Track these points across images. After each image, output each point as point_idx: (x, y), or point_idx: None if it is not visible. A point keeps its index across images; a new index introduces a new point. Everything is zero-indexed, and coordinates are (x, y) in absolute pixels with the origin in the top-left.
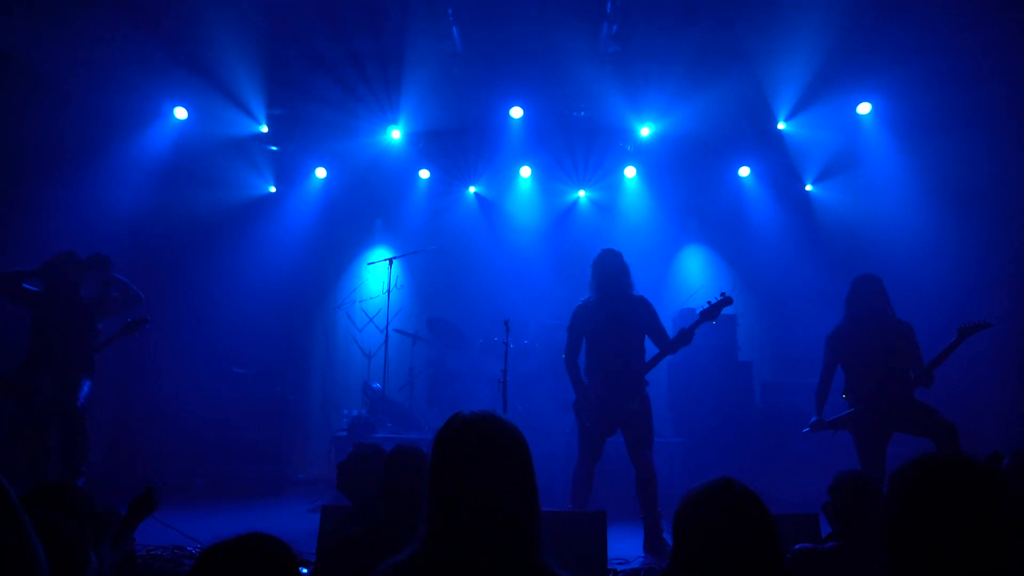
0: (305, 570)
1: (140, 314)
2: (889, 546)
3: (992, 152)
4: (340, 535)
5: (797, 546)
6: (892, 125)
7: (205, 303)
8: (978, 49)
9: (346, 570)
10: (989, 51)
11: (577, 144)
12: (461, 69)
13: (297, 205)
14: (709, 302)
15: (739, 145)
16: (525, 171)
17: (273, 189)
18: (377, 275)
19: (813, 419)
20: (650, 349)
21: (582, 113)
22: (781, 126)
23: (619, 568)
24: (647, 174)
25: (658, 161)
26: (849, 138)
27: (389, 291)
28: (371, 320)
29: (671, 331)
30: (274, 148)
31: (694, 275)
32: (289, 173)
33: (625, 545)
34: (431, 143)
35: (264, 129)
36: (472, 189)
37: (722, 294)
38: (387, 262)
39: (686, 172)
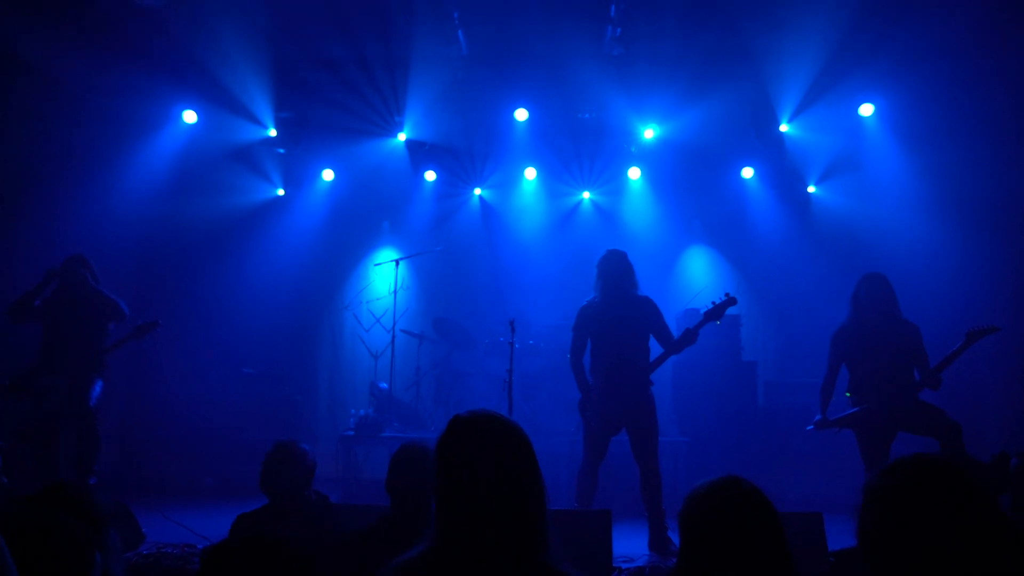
0: None
1: (151, 318)
2: (863, 549)
3: (995, 153)
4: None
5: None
6: (894, 126)
7: (214, 304)
8: (980, 52)
9: (353, 565)
10: (991, 54)
11: (581, 146)
12: (466, 72)
13: (305, 207)
14: (713, 302)
15: (742, 147)
16: (530, 173)
17: (281, 192)
18: (384, 276)
19: (817, 417)
20: (655, 349)
21: (587, 115)
22: (784, 128)
23: (624, 566)
24: (651, 176)
25: (662, 163)
26: (851, 139)
27: (395, 292)
28: (378, 320)
29: (675, 331)
30: (282, 151)
31: (698, 276)
32: (297, 176)
33: (630, 543)
34: (437, 145)
35: (272, 132)
36: (477, 191)
37: (726, 294)
38: (394, 263)
39: (690, 174)
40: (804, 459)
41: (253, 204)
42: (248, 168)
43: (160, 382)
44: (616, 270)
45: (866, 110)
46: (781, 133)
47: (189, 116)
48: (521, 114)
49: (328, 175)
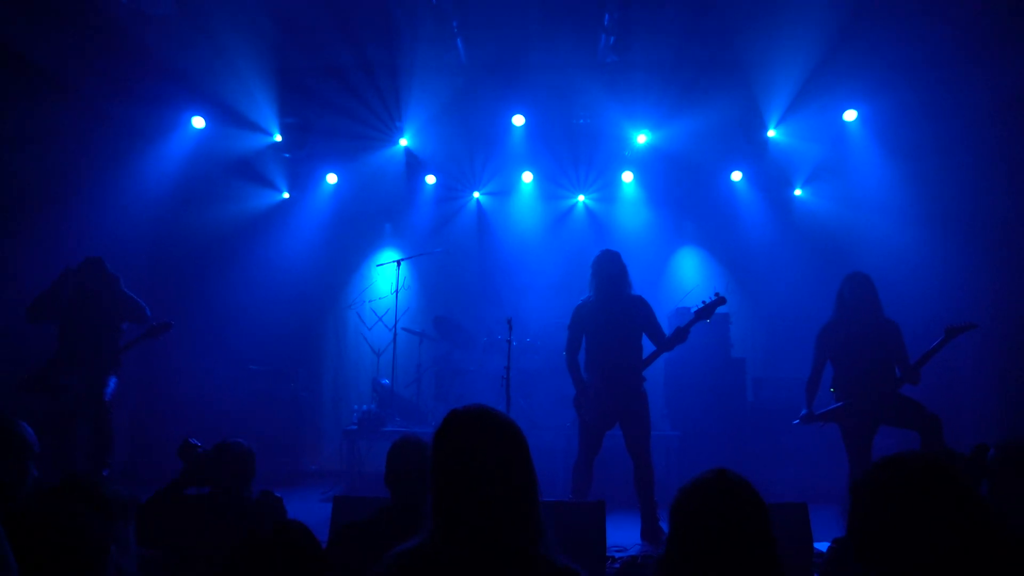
0: None
1: (163, 318)
2: (855, 543)
3: (973, 158)
4: (349, 522)
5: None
6: (877, 132)
7: (223, 304)
8: (959, 61)
9: (352, 556)
10: (970, 62)
11: (577, 151)
12: (465, 79)
13: (309, 210)
14: (704, 301)
15: (732, 151)
16: (527, 176)
17: (286, 195)
18: (386, 276)
19: (803, 412)
20: (647, 346)
21: (582, 121)
22: (771, 133)
23: (617, 555)
24: (644, 179)
25: (654, 167)
26: (836, 145)
27: (397, 291)
28: (380, 319)
29: (667, 329)
30: (287, 155)
31: (689, 276)
32: (301, 179)
33: (623, 533)
34: (437, 149)
35: (278, 138)
36: (476, 194)
37: (716, 294)
38: (395, 264)
39: (681, 177)
40: (791, 452)
41: (259, 207)
42: (254, 172)
43: (170, 379)
44: (610, 270)
45: (850, 116)
46: (769, 138)
47: (198, 122)
48: (518, 120)
49: (332, 179)
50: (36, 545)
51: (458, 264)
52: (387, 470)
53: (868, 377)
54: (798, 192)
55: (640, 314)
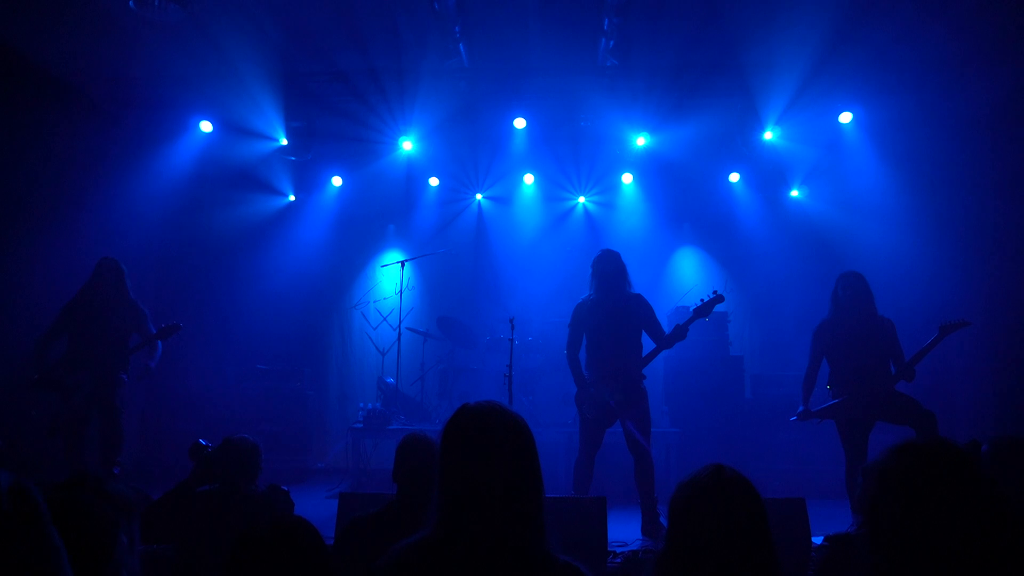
0: None
1: (171, 318)
2: (869, 526)
3: (966, 158)
4: (356, 517)
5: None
6: (872, 133)
7: (231, 304)
8: (952, 64)
9: (359, 550)
10: (963, 65)
11: (577, 153)
12: (468, 83)
13: (315, 212)
14: (702, 300)
15: (730, 153)
16: (528, 178)
17: (292, 198)
18: (390, 277)
19: (800, 409)
20: (647, 344)
21: (582, 123)
22: (768, 135)
23: (618, 550)
24: (643, 181)
25: (653, 168)
26: (832, 146)
27: (401, 292)
28: (385, 319)
29: (666, 327)
30: (292, 159)
31: (688, 275)
32: (307, 182)
33: (624, 528)
34: (440, 152)
35: (283, 142)
36: (479, 196)
37: (714, 292)
38: (399, 264)
39: (680, 178)
40: (789, 448)
41: (266, 210)
42: (261, 175)
43: (179, 378)
44: (610, 269)
45: (845, 118)
46: (766, 140)
47: (205, 126)
48: (520, 122)
49: (337, 182)
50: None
51: (461, 265)
52: (396, 466)
53: (863, 374)
54: (795, 193)
55: (640, 312)
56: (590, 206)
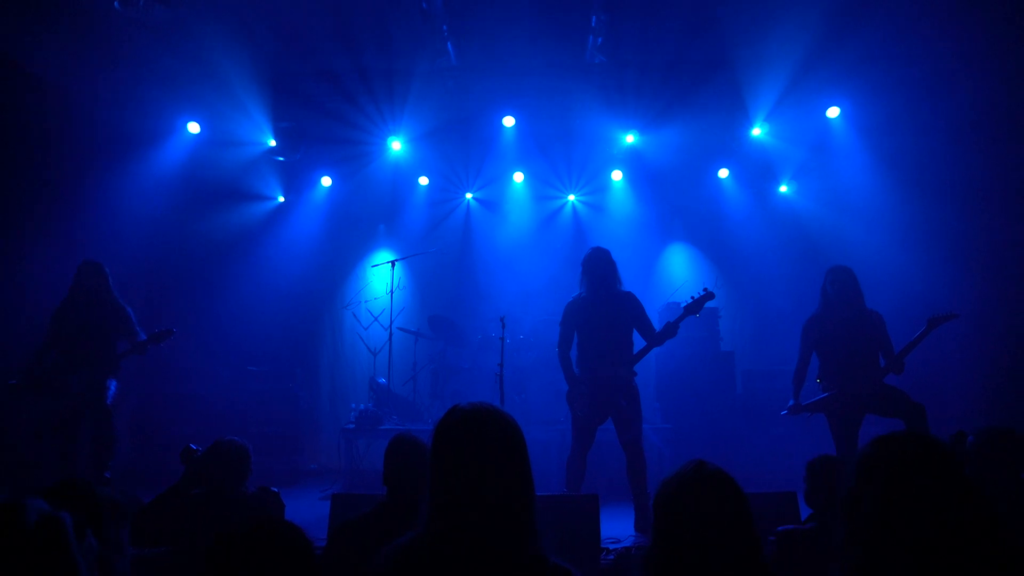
0: None
1: (161, 319)
2: (847, 517)
3: (953, 150)
4: (347, 519)
5: (780, 527)
6: (859, 127)
7: (221, 306)
8: (937, 57)
9: (350, 551)
10: (948, 58)
11: (567, 150)
12: (456, 81)
13: (304, 213)
14: (692, 297)
15: (718, 149)
16: (518, 176)
17: (282, 199)
18: (381, 277)
19: (791, 403)
20: (638, 342)
21: (571, 121)
22: (756, 131)
23: (611, 547)
24: (632, 177)
25: (643, 165)
26: (819, 141)
27: (392, 291)
28: (376, 319)
29: (657, 324)
30: (281, 159)
31: (678, 271)
32: (296, 183)
33: (617, 525)
34: (429, 151)
35: (272, 142)
36: (469, 194)
37: (704, 289)
38: (390, 264)
39: (669, 174)
40: (780, 441)
41: (255, 211)
42: (250, 176)
43: (169, 380)
44: (600, 267)
45: (832, 112)
46: (754, 136)
47: (193, 127)
48: (509, 121)
49: (326, 182)
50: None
51: (452, 264)
52: (385, 468)
53: (853, 367)
54: (783, 189)
55: (630, 310)
56: (580, 204)
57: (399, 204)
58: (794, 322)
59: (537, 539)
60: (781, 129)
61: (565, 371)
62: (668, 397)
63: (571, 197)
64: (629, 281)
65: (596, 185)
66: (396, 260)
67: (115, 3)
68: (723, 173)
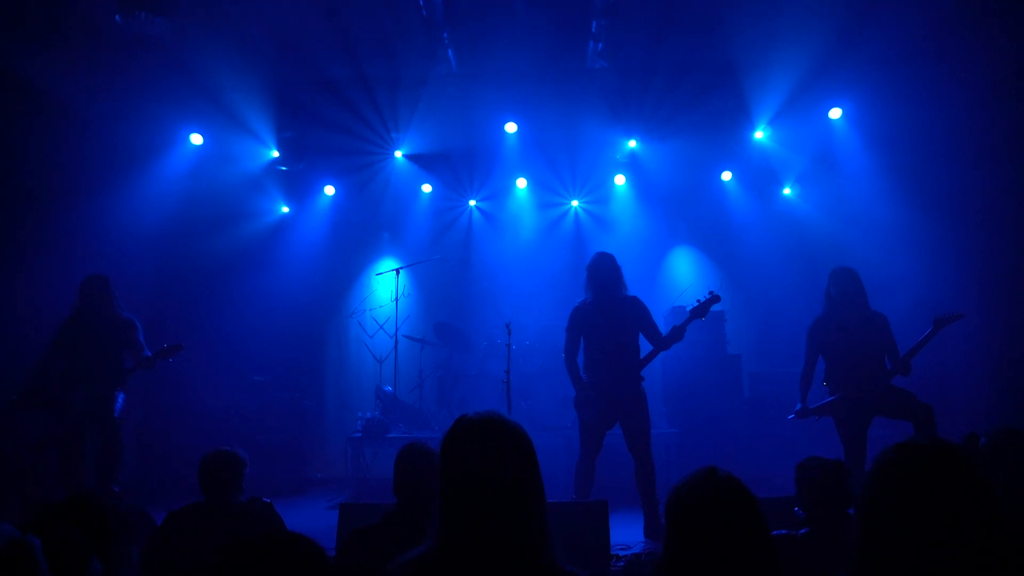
0: None
1: (166, 330)
2: (862, 524)
3: (957, 153)
4: (356, 529)
5: (774, 532)
6: (862, 128)
7: (226, 316)
8: (938, 57)
9: (361, 561)
10: (949, 58)
11: (569, 155)
12: (457, 88)
13: (308, 222)
14: (698, 300)
15: (721, 151)
16: (521, 183)
17: (285, 209)
18: (385, 285)
19: (798, 406)
20: (644, 346)
21: (574, 126)
22: (759, 135)
23: (621, 553)
24: (636, 181)
25: (646, 169)
26: (823, 143)
27: (397, 299)
28: (381, 327)
29: (663, 328)
30: (284, 168)
31: (683, 275)
32: (300, 192)
33: (627, 531)
34: (432, 159)
35: (275, 153)
36: (472, 201)
37: (710, 292)
38: (394, 272)
39: (673, 178)
40: (788, 445)
41: (259, 221)
42: (253, 186)
43: (175, 391)
44: (605, 272)
45: (835, 113)
46: (757, 139)
47: (196, 139)
48: (511, 127)
49: (329, 191)
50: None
51: (456, 271)
52: (395, 477)
53: (859, 370)
54: (787, 191)
55: (636, 314)
56: (584, 209)
57: (403, 212)
58: (801, 324)
59: (550, 548)
60: (785, 132)
61: (572, 377)
62: (675, 401)
63: (575, 202)
64: (634, 285)
65: (599, 190)
66: (401, 268)
67: (116, 16)
68: (726, 176)
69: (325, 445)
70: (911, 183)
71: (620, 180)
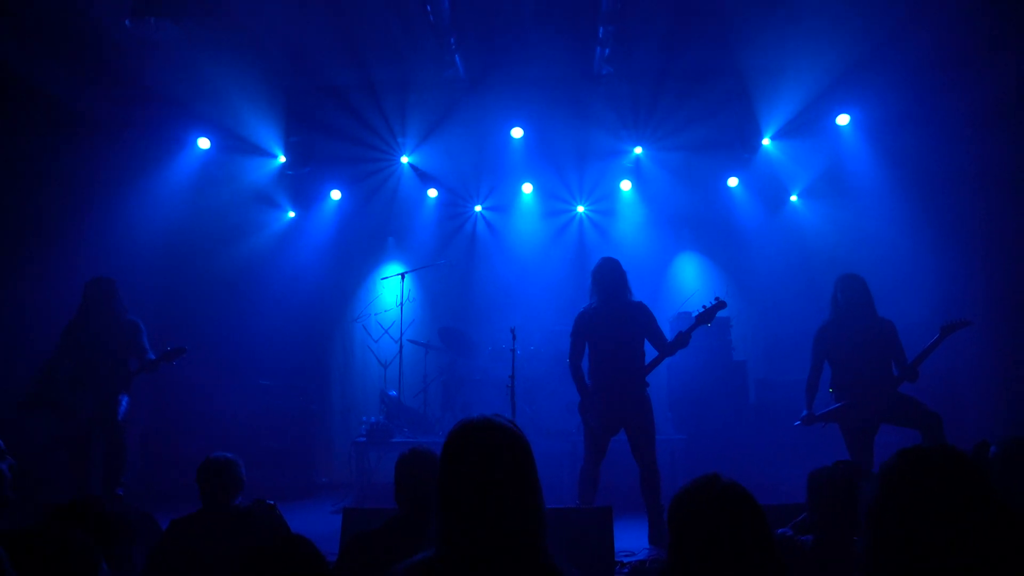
0: None
1: (171, 334)
2: (870, 531)
3: (963, 160)
4: (358, 533)
5: (779, 531)
6: (870, 135)
7: (231, 320)
8: (943, 66)
9: (362, 566)
10: (953, 67)
11: (575, 161)
12: (465, 94)
13: (314, 226)
14: (704, 306)
15: (728, 157)
16: (527, 188)
17: (292, 213)
18: (391, 289)
19: (804, 413)
20: (649, 352)
21: (580, 132)
22: (766, 141)
23: (626, 560)
24: (642, 187)
25: (652, 174)
26: (830, 150)
27: (402, 304)
28: (386, 332)
29: (669, 334)
30: (291, 173)
31: (689, 281)
32: (306, 196)
33: (631, 537)
34: (438, 163)
35: (281, 158)
36: (478, 206)
37: (716, 298)
38: (400, 277)
39: (678, 184)
40: (794, 451)
41: (265, 225)
42: (260, 190)
43: (181, 395)
44: (610, 277)
45: (843, 120)
46: (764, 146)
47: (203, 143)
48: (517, 132)
49: (335, 195)
50: (27, 562)
51: (461, 275)
52: (396, 483)
53: (865, 377)
54: (794, 198)
55: (641, 320)
56: (589, 214)
57: (408, 216)
58: (807, 330)
59: (547, 551)
60: (792, 138)
61: (577, 383)
62: (681, 407)
63: (580, 208)
64: (639, 291)
65: (605, 195)
66: (406, 272)
67: (126, 21)
68: (733, 182)
69: (331, 449)
70: (921, 189)
71: (626, 185)
